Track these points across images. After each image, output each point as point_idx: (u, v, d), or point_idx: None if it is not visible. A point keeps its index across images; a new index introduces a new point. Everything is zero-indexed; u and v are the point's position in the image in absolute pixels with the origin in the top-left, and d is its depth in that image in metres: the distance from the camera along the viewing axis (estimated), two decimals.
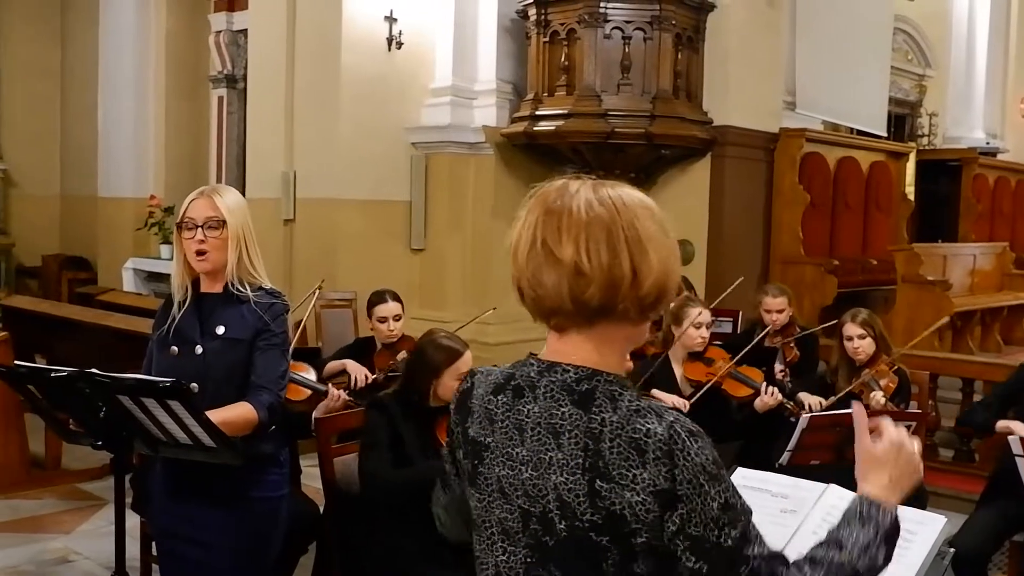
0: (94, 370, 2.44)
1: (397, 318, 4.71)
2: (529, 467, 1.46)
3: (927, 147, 13.03)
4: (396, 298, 4.77)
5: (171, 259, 9.09)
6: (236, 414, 2.63)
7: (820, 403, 4.53)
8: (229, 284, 2.74)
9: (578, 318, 1.44)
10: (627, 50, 7.40)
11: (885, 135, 10.16)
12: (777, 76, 8.22)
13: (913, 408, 4.76)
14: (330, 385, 4.10)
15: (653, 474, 1.35)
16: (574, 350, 1.47)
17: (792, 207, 7.94)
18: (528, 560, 1.48)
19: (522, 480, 1.46)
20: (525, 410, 1.48)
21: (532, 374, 1.50)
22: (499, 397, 1.53)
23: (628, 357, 1.59)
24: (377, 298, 4.78)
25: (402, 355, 4.50)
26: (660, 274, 1.43)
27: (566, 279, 1.42)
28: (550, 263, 1.44)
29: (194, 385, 2.51)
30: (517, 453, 1.48)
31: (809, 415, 3.97)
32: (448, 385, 3.38)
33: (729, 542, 1.37)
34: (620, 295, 1.42)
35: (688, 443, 1.36)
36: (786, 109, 8.50)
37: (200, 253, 2.71)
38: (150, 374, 2.74)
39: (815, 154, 8.35)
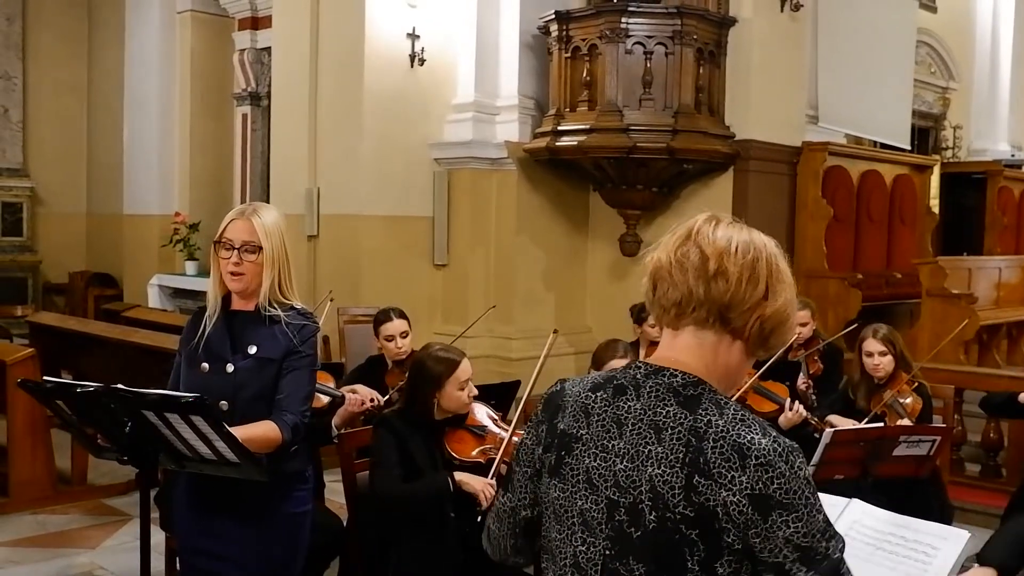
0: (119, 385, 2.45)
1: (404, 335, 4.69)
2: (625, 459, 1.52)
3: (951, 160, 12.94)
4: (402, 315, 4.75)
5: (196, 275, 9.13)
6: (261, 431, 2.64)
7: (854, 424, 4.46)
8: (261, 304, 2.76)
9: (700, 312, 1.54)
10: (649, 65, 7.41)
11: (909, 148, 10.10)
12: (799, 90, 8.19)
13: (937, 423, 4.71)
14: (347, 393, 4.09)
15: (752, 479, 1.42)
16: (684, 356, 1.56)
17: (815, 221, 7.89)
18: (607, 552, 1.52)
19: (615, 471, 1.52)
20: (626, 406, 1.55)
21: (637, 376, 1.58)
22: (598, 393, 1.60)
23: (731, 387, 1.64)
24: (383, 316, 4.77)
25: None
26: (785, 306, 1.57)
27: (705, 275, 1.54)
28: (696, 260, 1.55)
29: (223, 403, 2.52)
30: (613, 445, 1.54)
31: (833, 430, 3.93)
32: (451, 395, 3.38)
33: (837, 554, 1.46)
34: (747, 307, 1.54)
35: (792, 457, 1.44)
36: (809, 123, 8.47)
37: (235, 274, 2.73)
38: (178, 388, 2.76)
39: (838, 167, 8.31)
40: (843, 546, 1.47)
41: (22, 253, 12.21)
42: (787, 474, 1.43)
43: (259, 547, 2.75)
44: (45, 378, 2.69)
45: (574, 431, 1.60)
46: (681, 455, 1.46)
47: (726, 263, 1.53)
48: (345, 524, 3.87)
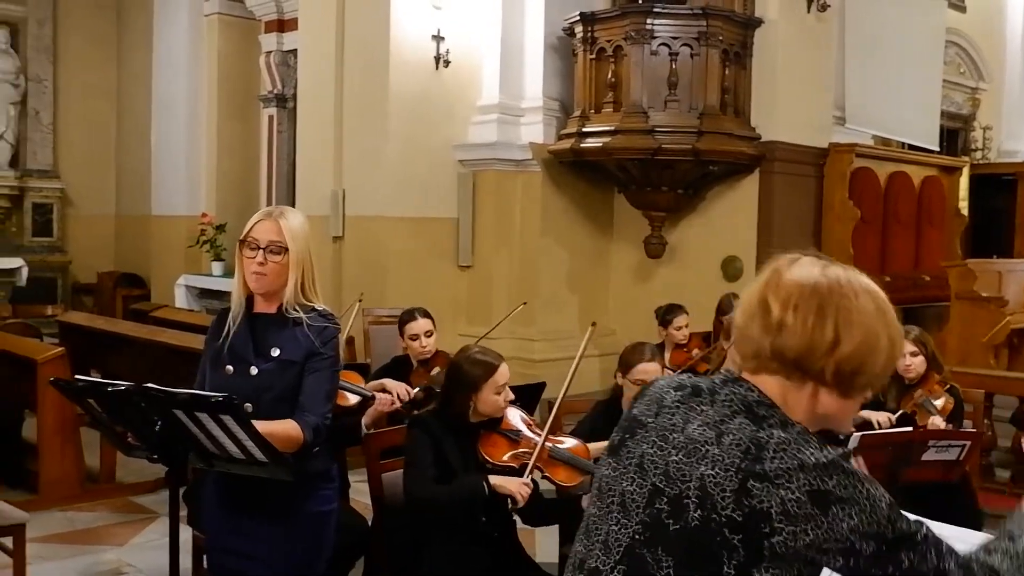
0: (150, 384, 2.48)
1: (429, 334, 4.72)
2: (681, 453, 1.54)
3: (981, 161, 12.81)
4: (426, 315, 4.78)
5: (222, 276, 9.18)
6: (282, 428, 2.64)
7: (890, 419, 4.42)
8: (284, 306, 2.78)
9: (773, 364, 1.56)
10: (674, 66, 7.39)
11: (938, 149, 10.00)
12: (826, 91, 8.14)
13: (967, 427, 4.67)
14: (376, 393, 4.11)
15: (810, 478, 1.44)
16: (762, 386, 1.58)
17: (842, 223, 7.84)
18: (636, 536, 1.55)
19: (668, 461, 1.55)
20: (698, 408, 1.59)
21: (717, 381, 1.62)
22: (676, 391, 1.64)
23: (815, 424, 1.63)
24: (407, 316, 4.79)
25: (436, 371, 4.52)
26: (862, 347, 1.54)
27: (770, 331, 1.55)
28: (761, 314, 1.57)
29: (248, 405, 2.54)
30: (674, 438, 1.57)
31: (861, 434, 3.90)
32: (488, 398, 3.38)
33: (911, 527, 1.50)
34: (817, 356, 1.53)
35: (850, 466, 1.48)
36: (836, 124, 8.42)
37: (258, 274, 2.75)
38: (204, 389, 2.78)
39: (865, 169, 8.25)
40: (920, 526, 1.50)
41: (52, 254, 12.35)
42: (846, 471, 1.46)
43: (285, 546, 2.77)
44: (77, 376, 2.71)
45: (643, 417, 1.64)
46: (738, 461, 1.48)
47: (787, 315, 1.54)
48: (370, 524, 3.88)
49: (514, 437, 3.43)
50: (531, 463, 3.32)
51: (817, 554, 1.45)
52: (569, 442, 3.52)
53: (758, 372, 1.59)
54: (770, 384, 1.57)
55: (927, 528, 1.52)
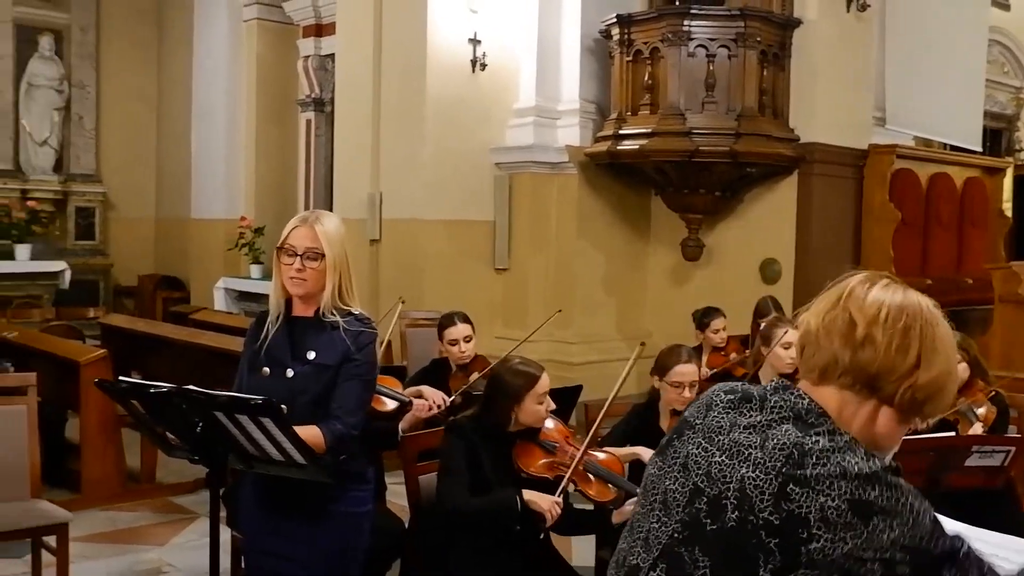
0: (191, 386, 2.50)
1: (468, 339, 4.71)
2: (724, 454, 1.54)
3: None
4: (466, 319, 4.77)
5: (261, 279, 9.26)
6: (307, 435, 2.65)
7: (927, 421, 4.35)
8: (321, 310, 2.79)
9: (846, 378, 1.54)
10: (711, 68, 7.35)
11: (980, 150, 9.86)
12: (866, 91, 8.05)
13: (1012, 433, 4.58)
14: (414, 398, 4.12)
15: (853, 487, 1.43)
16: (820, 397, 1.56)
17: (882, 224, 7.75)
18: (675, 535, 1.55)
19: (710, 462, 1.55)
20: (747, 413, 1.59)
21: (768, 388, 1.60)
22: (727, 395, 1.64)
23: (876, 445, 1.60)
24: (447, 321, 4.79)
25: (475, 376, 4.52)
26: (943, 374, 1.53)
27: (852, 342, 1.53)
28: (845, 328, 1.54)
29: (283, 407, 2.56)
30: (718, 440, 1.57)
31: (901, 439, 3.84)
32: (531, 409, 3.37)
33: (953, 543, 1.48)
34: (894, 377, 1.51)
35: (896, 477, 1.47)
36: (876, 125, 8.32)
37: (296, 280, 2.77)
38: (241, 391, 2.81)
39: (906, 170, 8.15)
40: (962, 543, 1.48)
41: (94, 257, 12.52)
42: (890, 483, 1.45)
43: (319, 545, 2.79)
44: (120, 378, 2.75)
45: (692, 419, 1.65)
46: (779, 464, 1.47)
47: (874, 331, 1.51)
48: (407, 526, 3.89)
49: (551, 449, 3.42)
50: (567, 475, 3.30)
51: (854, 564, 1.43)
52: (604, 455, 3.50)
53: (821, 383, 1.56)
54: (828, 396, 1.55)
55: (968, 545, 1.51)
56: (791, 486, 1.44)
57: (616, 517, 3.33)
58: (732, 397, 1.62)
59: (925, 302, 1.56)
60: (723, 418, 1.60)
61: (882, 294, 1.55)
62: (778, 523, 1.43)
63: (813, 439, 1.48)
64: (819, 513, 1.42)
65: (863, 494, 1.42)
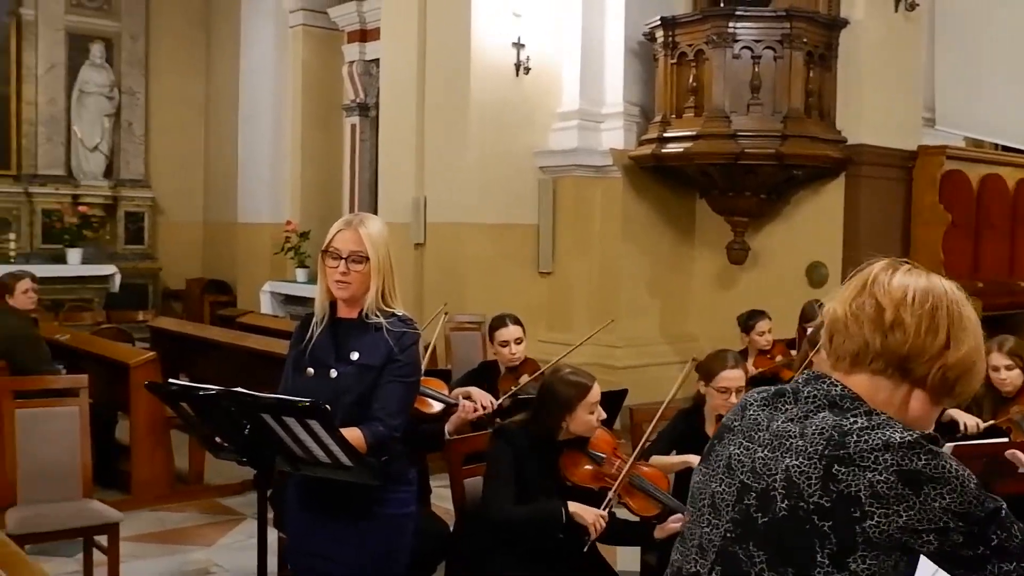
0: (239, 389, 2.53)
1: (518, 341, 4.71)
2: (766, 449, 1.57)
3: None
4: (516, 322, 4.78)
5: (306, 282, 9.34)
6: (348, 437, 2.65)
7: (978, 424, 4.26)
8: (364, 311, 2.81)
9: (878, 362, 1.55)
10: (756, 69, 7.28)
11: None
12: (915, 92, 7.93)
13: None
14: (461, 399, 4.12)
15: (898, 457, 1.44)
16: (852, 384, 1.57)
17: (932, 227, 7.62)
18: (728, 535, 1.56)
19: (754, 458, 1.57)
20: (783, 407, 1.61)
21: (800, 380, 1.63)
22: (761, 394, 1.68)
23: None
24: (498, 323, 4.80)
25: (524, 378, 4.51)
26: (972, 353, 1.55)
27: (881, 327, 1.54)
28: (874, 313, 1.56)
29: (327, 407, 2.57)
30: (758, 436, 1.59)
31: (953, 444, 3.77)
32: (581, 418, 3.36)
33: (992, 504, 1.48)
34: (925, 359, 1.53)
35: (935, 444, 1.48)
36: (925, 126, 8.20)
37: (341, 283, 2.79)
38: (286, 393, 2.83)
39: (957, 172, 8.00)
40: (999, 501, 1.48)
41: (143, 261, 12.72)
42: (932, 451, 1.45)
43: (363, 546, 2.80)
44: (170, 380, 2.78)
45: (729, 423, 1.68)
46: (821, 448, 1.48)
47: (903, 313, 1.53)
48: (452, 529, 3.89)
49: (599, 460, 3.41)
50: (614, 488, 3.29)
51: (911, 536, 1.44)
52: (650, 469, 3.48)
53: (854, 371, 1.58)
54: (860, 382, 1.57)
55: (1004, 504, 1.51)
56: (836, 467, 1.45)
57: (658, 532, 3.31)
58: (765, 395, 1.65)
59: (948, 284, 1.58)
60: (760, 415, 1.62)
61: (906, 279, 1.57)
62: (829, 505, 1.45)
63: (851, 420, 1.50)
64: (869, 489, 1.43)
65: (910, 463, 1.44)
